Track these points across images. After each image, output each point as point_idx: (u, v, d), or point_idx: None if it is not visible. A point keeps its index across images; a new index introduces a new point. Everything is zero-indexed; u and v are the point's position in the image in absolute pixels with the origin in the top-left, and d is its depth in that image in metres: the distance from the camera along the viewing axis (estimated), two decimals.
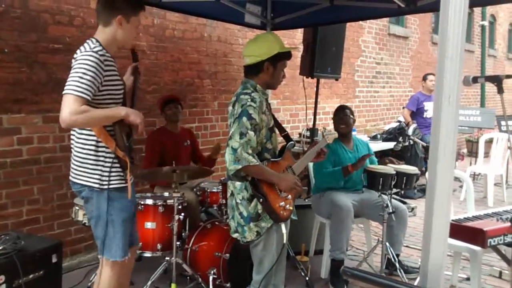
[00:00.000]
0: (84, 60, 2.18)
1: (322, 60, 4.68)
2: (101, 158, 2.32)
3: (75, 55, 2.28)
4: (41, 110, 3.75)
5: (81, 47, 2.29)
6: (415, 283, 3.10)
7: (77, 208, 3.28)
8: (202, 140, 5.16)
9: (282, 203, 2.51)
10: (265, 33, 2.96)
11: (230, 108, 2.56)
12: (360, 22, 7.36)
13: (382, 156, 6.38)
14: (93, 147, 2.32)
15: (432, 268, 1.37)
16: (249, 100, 2.46)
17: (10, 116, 3.58)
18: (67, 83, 2.16)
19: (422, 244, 1.41)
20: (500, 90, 2.18)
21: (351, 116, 3.87)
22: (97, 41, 2.32)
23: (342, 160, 3.74)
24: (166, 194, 3.58)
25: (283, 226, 2.53)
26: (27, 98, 3.66)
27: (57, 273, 2.99)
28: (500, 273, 3.78)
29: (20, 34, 3.59)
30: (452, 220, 2.40)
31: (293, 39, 6.19)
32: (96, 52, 2.22)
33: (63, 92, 2.15)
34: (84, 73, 2.15)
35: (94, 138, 2.31)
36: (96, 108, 2.22)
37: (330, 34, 4.74)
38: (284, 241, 2.54)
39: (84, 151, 2.33)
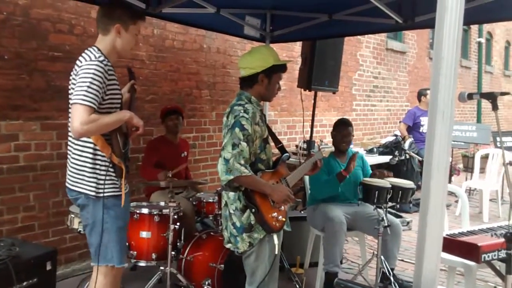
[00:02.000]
0: (90, 69, 2.20)
1: (320, 73, 4.71)
2: (98, 166, 2.34)
3: (78, 63, 2.29)
4: (39, 117, 3.76)
5: (85, 56, 2.31)
6: None
7: (72, 216, 3.27)
8: (199, 150, 5.17)
9: (275, 214, 2.51)
10: (260, 46, 2.99)
11: (225, 119, 2.58)
12: (358, 37, 7.43)
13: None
14: (90, 155, 2.33)
15: (425, 281, 1.38)
16: (242, 111, 2.48)
17: (8, 122, 3.59)
18: (75, 92, 2.18)
19: (416, 257, 1.43)
20: (495, 107, 2.20)
21: (353, 134, 3.89)
22: (99, 50, 2.34)
23: (335, 173, 3.75)
24: (162, 203, 3.58)
25: (275, 237, 2.53)
26: (26, 105, 3.68)
27: (51, 281, 2.97)
28: None
29: (21, 42, 3.62)
30: (447, 235, 2.41)
31: (292, 52, 6.24)
32: (101, 61, 2.24)
33: (72, 102, 2.18)
34: (91, 83, 2.17)
35: (92, 145, 2.32)
36: (103, 115, 2.24)
37: (328, 48, 4.78)
38: (276, 252, 2.54)
39: (82, 158, 2.34)
